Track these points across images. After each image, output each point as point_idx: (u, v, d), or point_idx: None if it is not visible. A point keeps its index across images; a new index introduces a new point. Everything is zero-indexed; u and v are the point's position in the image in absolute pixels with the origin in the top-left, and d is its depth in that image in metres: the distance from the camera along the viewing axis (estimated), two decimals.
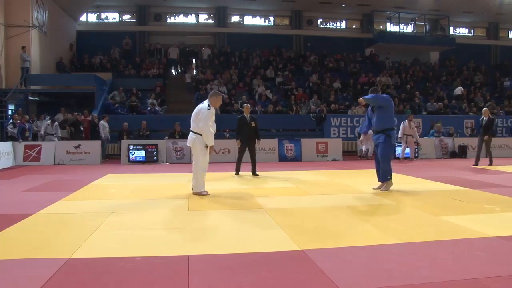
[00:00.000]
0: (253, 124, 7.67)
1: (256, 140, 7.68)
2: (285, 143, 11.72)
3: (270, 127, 14.07)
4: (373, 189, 5.85)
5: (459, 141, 12.86)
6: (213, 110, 5.34)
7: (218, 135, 12.67)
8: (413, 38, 20.45)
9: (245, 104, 7.96)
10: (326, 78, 16.95)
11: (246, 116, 7.69)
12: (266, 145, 11.58)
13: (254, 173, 7.59)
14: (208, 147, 5.30)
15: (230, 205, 4.82)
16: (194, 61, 17.95)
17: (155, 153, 10.87)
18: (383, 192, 5.62)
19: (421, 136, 13.35)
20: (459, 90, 17.07)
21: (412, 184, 6.49)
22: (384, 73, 17.73)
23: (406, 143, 11.54)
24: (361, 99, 5.60)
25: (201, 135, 5.28)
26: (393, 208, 4.59)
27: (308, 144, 11.93)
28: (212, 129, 5.31)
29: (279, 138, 12.11)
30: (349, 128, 13.93)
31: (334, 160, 11.75)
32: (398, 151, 11.77)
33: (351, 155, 13.01)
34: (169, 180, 7.09)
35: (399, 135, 11.42)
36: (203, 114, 5.24)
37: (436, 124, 13.56)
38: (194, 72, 16.91)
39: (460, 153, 12.48)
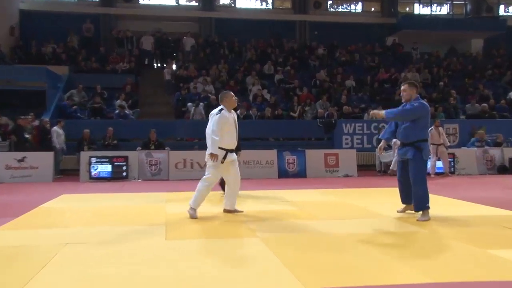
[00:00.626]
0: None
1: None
2: (286, 155, 11.70)
3: (268, 135, 14.11)
4: (397, 212, 5.79)
5: (511, 152, 12.78)
6: (228, 114, 5.57)
7: (204, 146, 12.83)
8: (448, 22, 20.32)
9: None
10: (337, 74, 17.06)
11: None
12: (263, 158, 11.60)
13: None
14: (217, 159, 5.50)
15: (217, 232, 4.81)
16: (174, 53, 18.00)
17: (124, 168, 10.87)
18: (408, 217, 5.55)
19: (457, 145, 13.38)
20: None
21: (448, 207, 6.45)
22: (410, 68, 17.86)
23: (436, 154, 11.56)
24: (377, 112, 5.52)
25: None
26: (425, 238, 4.56)
27: (315, 157, 11.91)
28: (230, 136, 5.55)
29: (278, 149, 12.13)
30: (365, 137, 13.96)
31: (346, 176, 11.73)
32: (428, 165, 11.75)
33: (368, 170, 13.01)
34: (142, 202, 7.12)
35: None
36: (213, 120, 5.53)
37: (479, 131, 13.54)
38: (174, 67, 16.91)
39: None
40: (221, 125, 5.45)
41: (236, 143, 5.70)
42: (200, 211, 5.76)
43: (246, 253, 4.00)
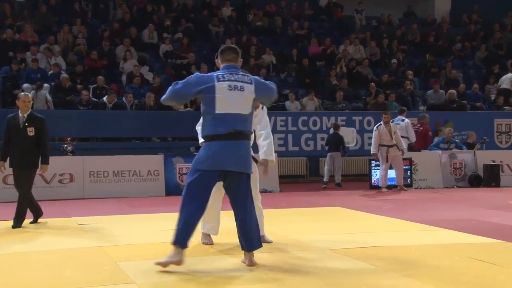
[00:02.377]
0: (30, 131, 7.50)
1: (40, 164, 7.67)
2: (177, 162, 11.71)
3: (150, 134, 13.96)
4: None
5: (486, 156, 13.61)
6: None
7: (52, 149, 12.42)
8: None
9: (21, 94, 7.75)
10: (250, 46, 17.33)
11: (20, 115, 7.53)
12: (143, 167, 11.54)
13: (16, 222, 7.53)
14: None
15: (68, 277, 4.64)
16: None
17: None
18: (349, 249, 5.80)
19: (415, 148, 13.99)
20: (508, 79, 17.11)
21: (401, 233, 6.79)
22: (352, 39, 18.61)
23: (387, 160, 12.08)
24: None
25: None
26: (372, 277, 4.73)
27: None
28: None
29: (166, 153, 12.11)
30: (290, 136, 14.37)
31: (264, 191, 11.91)
32: (377, 175, 12.42)
33: (294, 183, 13.34)
34: None
35: (373, 149, 12.02)
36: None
37: (444, 128, 14.37)
38: None
39: (488, 177, 13.14)
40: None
41: None
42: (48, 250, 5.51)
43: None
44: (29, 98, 7.65)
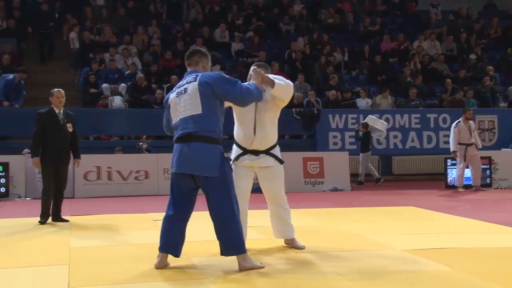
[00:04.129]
0: (69, 127, 7.68)
1: (74, 158, 7.86)
2: None
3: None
4: None
5: None
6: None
7: (129, 147, 12.81)
8: None
9: (55, 90, 7.85)
10: (321, 44, 17.24)
11: (57, 111, 7.66)
12: None
13: (56, 217, 7.68)
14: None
15: (146, 272, 4.79)
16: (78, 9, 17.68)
17: (3, 181, 10.82)
18: (424, 249, 5.68)
19: (495, 146, 13.78)
20: None
21: (481, 235, 6.61)
22: (427, 34, 18.23)
23: (465, 159, 11.73)
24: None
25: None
26: (447, 279, 4.64)
27: (290, 162, 11.81)
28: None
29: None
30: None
31: (335, 190, 11.88)
32: (453, 174, 12.10)
33: (366, 181, 13.21)
34: (33, 231, 7.03)
35: (452, 147, 11.69)
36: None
37: None
38: (77, 29, 16.50)
39: None
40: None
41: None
42: (126, 244, 5.66)
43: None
44: (62, 94, 7.72)
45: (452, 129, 11.75)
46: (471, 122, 11.86)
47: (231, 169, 4.93)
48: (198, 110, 4.69)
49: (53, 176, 7.62)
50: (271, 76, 5.37)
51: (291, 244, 5.76)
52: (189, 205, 4.88)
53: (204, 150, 4.66)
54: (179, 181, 4.77)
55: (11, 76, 13.53)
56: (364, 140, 12.94)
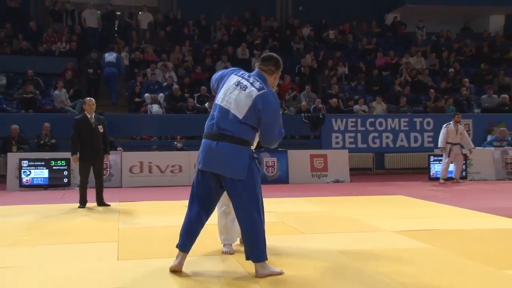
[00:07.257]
0: (100, 129, 7.77)
1: (104, 154, 7.91)
2: (264, 156, 11.72)
3: None
4: None
5: None
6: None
7: (166, 145, 12.96)
8: None
9: (87, 99, 7.96)
10: (326, 60, 17.22)
11: (89, 116, 7.74)
12: None
13: (100, 202, 7.82)
14: None
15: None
16: (126, 32, 17.82)
17: (66, 173, 10.73)
18: (410, 231, 5.68)
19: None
20: None
21: (458, 219, 6.60)
22: (414, 51, 18.15)
23: (449, 156, 11.57)
24: None
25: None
26: (430, 255, 4.65)
27: (299, 159, 12.03)
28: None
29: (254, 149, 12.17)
30: (359, 135, 14.17)
31: (337, 181, 11.87)
32: (437, 168, 12.01)
33: (362, 174, 13.19)
34: (89, 215, 7.10)
35: (440, 144, 11.58)
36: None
37: (498, 128, 13.77)
38: (127, 49, 16.69)
39: None
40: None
41: None
42: (164, 226, 5.69)
43: (216, 274, 4.04)
44: (93, 102, 7.77)
45: (442, 129, 11.67)
46: (459, 125, 11.70)
47: (259, 171, 4.00)
48: (240, 115, 3.84)
49: (89, 171, 7.71)
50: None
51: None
52: (210, 205, 4.07)
53: (233, 150, 3.84)
54: (204, 178, 4.00)
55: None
56: None
